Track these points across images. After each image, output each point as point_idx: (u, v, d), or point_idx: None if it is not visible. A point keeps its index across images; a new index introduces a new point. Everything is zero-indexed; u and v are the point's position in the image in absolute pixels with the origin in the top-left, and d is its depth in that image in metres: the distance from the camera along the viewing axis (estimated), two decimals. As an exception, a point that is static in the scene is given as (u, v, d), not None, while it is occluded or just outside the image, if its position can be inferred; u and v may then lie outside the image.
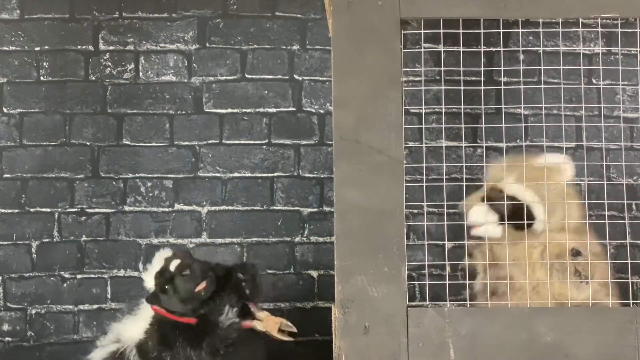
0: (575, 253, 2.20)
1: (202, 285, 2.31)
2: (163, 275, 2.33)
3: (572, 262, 2.20)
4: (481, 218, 2.25)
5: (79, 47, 3.06)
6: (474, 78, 2.73)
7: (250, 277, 2.40)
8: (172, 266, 2.33)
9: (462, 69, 2.31)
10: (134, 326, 2.37)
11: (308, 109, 3.07)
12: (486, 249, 2.27)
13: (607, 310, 2.03)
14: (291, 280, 3.02)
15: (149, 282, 2.37)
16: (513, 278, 2.23)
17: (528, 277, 2.20)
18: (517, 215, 2.25)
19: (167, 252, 2.41)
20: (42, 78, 3.04)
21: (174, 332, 2.31)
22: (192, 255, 2.44)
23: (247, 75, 3.07)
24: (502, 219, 2.27)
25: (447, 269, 2.24)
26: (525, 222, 2.24)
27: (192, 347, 2.29)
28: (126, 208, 3.03)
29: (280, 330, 2.35)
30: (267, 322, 2.35)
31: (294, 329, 2.37)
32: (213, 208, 3.03)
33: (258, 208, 3.04)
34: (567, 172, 2.34)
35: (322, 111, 3.06)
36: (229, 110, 3.06)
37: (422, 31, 2.15)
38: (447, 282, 2.25)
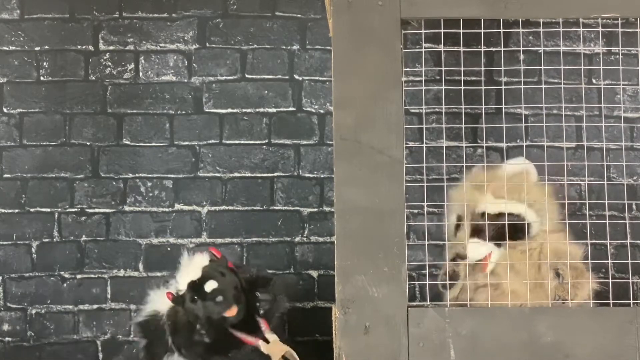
0: (557, 275, 2.19)
1: (233, 311, 2.26)
2: (196, 291, 2.26)
3: (552, 284, 2.19)
4: (484, 253, 2.23)
5: (79, 47, 3.06)
6: (474, 78, 2.73)
7: (271, 298, 2.35)
8: (208, 287, 2.26)
9: (462, 69, 2.31)
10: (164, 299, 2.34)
11: (308, 109, 3.07)
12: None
13: (607, 310, 2.03)
14: (291, 280, 3.02)
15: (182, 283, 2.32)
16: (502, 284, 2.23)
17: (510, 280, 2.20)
18: (514, 230, 2.23)
19: (204, 260, 2.33)
20: (42, 78, 3.04)
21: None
22: (227, 265, 2.34)
23: (247, 75, 3.07)
24: (499, 240, 2.24)
25: (447, 269, 2.24)
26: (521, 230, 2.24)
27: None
28: (126, 208, 3.03)
29: (284, 358, 2.27)
30: (272, 346, 2.28)
31: None
32: (213, 208, 3.03)
33: (258, 208, 3.03)
34: (532, 173, 2.32)
35: (322, 111, 3.06)
36: (229, 110, 3.06)
37: (423, 31, 2.15)
38: (447, 282, 2.25)
